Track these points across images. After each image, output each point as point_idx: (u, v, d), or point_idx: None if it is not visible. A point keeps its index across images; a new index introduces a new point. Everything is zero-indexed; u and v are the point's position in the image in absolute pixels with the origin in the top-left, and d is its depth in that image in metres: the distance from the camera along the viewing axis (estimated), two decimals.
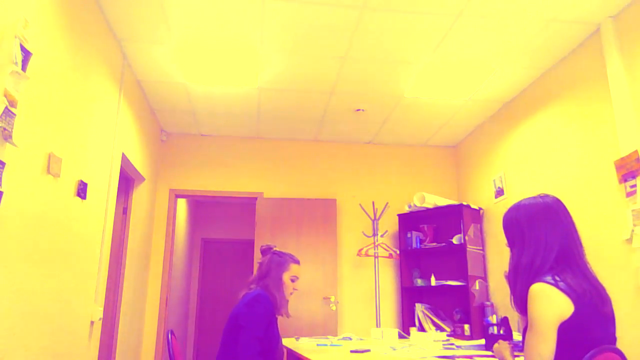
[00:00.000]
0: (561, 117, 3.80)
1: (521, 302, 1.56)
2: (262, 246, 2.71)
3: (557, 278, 1.49)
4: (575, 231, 1.61)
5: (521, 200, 1.72)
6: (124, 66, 3.81)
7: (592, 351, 1.42)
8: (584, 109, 3.53)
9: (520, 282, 1.58)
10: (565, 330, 1.44)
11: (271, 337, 2.40)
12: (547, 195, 1.68)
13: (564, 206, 1.65)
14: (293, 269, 2.59)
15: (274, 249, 2.66)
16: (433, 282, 4.95)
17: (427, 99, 4.56)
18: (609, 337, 1.51)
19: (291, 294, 2.58)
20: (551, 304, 1.45)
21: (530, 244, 1.60)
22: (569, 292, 1.46)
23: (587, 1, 3.09)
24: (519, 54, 3.74)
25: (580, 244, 1.60)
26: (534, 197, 1.69)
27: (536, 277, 1.54)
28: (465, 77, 4.12)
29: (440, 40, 3.55)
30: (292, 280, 2.57)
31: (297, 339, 3.45)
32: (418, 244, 5.18)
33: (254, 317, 2.32)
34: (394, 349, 2.72)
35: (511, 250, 1.68)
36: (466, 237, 4.79)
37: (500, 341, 1.80)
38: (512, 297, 1.62)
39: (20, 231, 2.25)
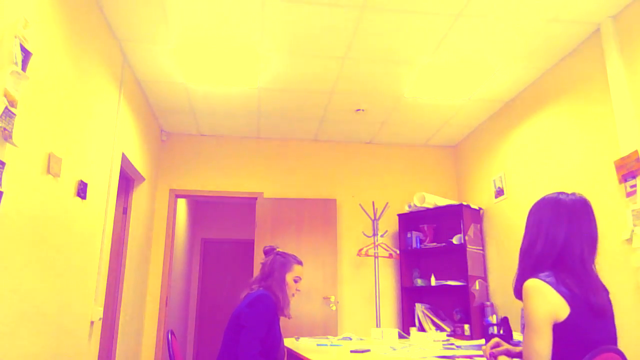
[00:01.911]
0: (561, 117, 3.80)
1: (519, 288, 1.58)
2: (265, 247, 2.73)
3: (553, 278, 1.49)
4: (591, 234, 1.59)
5: (552, 193, 1.71)
6: (124, 66, 3.82)
7: (592, 352, 1.42)
8: (584, 109, 3.53)
9: (524, 262, 1.62)
10: (563, 332, 1.44)
11: (273, 337, 2.40)
12: (573, 194, 1.66)
13: (588, 208, 1.63)
14: (296, 269, 2.61)
15: (277, 249, 2.67)
16: (433, 282, 4.95)
17: (427, 99, 4.56)
18: (609, 338, 1.51)
19: (293, 295, 2.60)
20: (544, 300, 1.46)
21: (531, 231, 1.64)
22: (564, 292, 1.46)
23: (587, 1, 3.09)
24: (519, 54, 3.74)
25: (594, 247, 1.59)
26: (563, 193, 1.67)
27: (534, 269, 1.55)
28: (465, 77, 4.12)
29: (440, 40, 3.55)
30: (295, 281, 2.59)
31: (297, 339, 3.46)
32: (418, 244, 5.18)
33: (256, 317, 2.33)
34: (394, 349, 2.72)
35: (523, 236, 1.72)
36: (466, 237, 4.79)
37: (493, 340, 1.80)
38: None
39: (20, 231, 2.25)
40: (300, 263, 2.65)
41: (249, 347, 2.25)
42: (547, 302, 1.45)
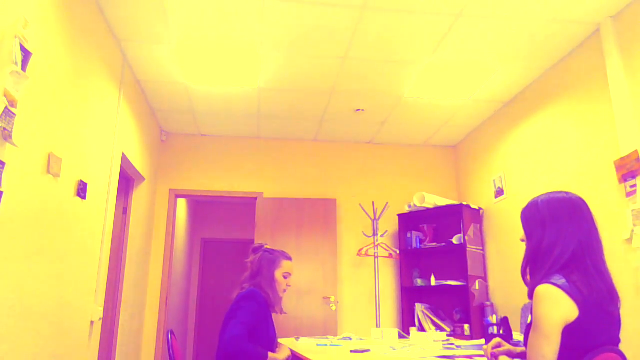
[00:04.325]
0: (561, 117, 3.80)
1: (533, 290, 1.53)
2: (253, 246, 2.69)
3: (564, 280, 1.48)
4: (596, 230, 1.59)
5: (543, 195, 1.68)
6: (124, 66, 3.81)
7: (593, 352, 1.42)
8: (584, 109, 3.53)
9: (538, 268, 1.57)
10: (570, 333, 1.44)
11: (267, 334, 2.39)
12: (570, 192, 1.65)
13: (587, 205, 1.62)
14: (285, 265, 2.57)
15: (266, 246, 2.65)
16: (433, 282, 4.95)
17: (427, 99, 4.56)
18: (613, 339, 1.50)
19: (284, 290, 2.56)
20: (557, 306, 1.44)
21: (551, 232, 1.58)
22: (575, 294, 1.44)
23: (587, 1, 3.09)
24: (519, 54, 3.74)
25: (600, 243, 1.58)
26: (558, 192, 1.65)
27: (549, 271, 1.52)
28: (465, 77, 4.12)
29: (441, 40, 3.55)
30: (285, 277, 2.54)
31: (297, 339, 3.45)
32: (418, 244, 5.17)
33: (243, 309, 2.31)
34: (394, 349, 2.72)
35: (528, 242, 1.66)
36: (466, 237, 4.79)
37: (495, 341, 1.79)
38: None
39: (20, 231, 2.25)
40: (289, 259, 2.61)
41: (234, 329, 2.23)
42: (560, 308, 1.43)
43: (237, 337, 2.21)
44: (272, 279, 2.51)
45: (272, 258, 2.57)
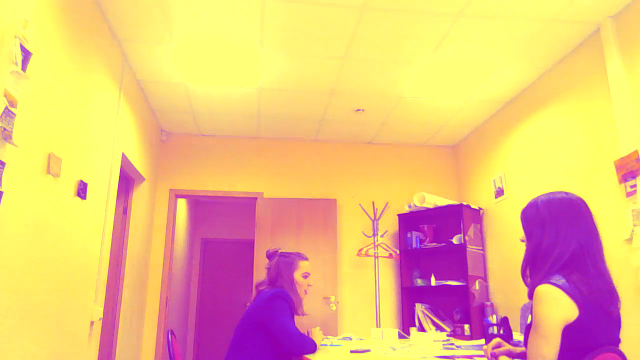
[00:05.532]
0: (561, 117, 3.80)
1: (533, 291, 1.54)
2: (267, 251, 2.72)
3: (564, 280, 1.48)
4: (596, 230, 1.59)
5: (542, 195, 1.69)
6: (124, 66, 3.81)
7: (593, 352, 1.42)
8: (584, 108, 3.52)
9: (537, 268, 1.57)
10: (570, 333, 1.44)
11: None
12: (570, 193, 1.66)
13: (587, 205, 1.63)
14: (303, 266, 2.61)
15: (280, 251, 2.68)
16: (433, 282, 4.94)
17: (427, 99, 4.56)
18: (613, 339, 1.50)
19: (306, 291, 2.61)
20: (557, 306, 1.44)
21: (550, 233, 1.58)
22: (575, 294, 1.45)
23: (587, 1, 3.09)
24: (519, 54, 3.74)
25: (600, 243, 1.58)
26: (558, 192, 1.66)
27: (549, 271, 1.52)
28: (465, 77, 4.11)
29: (441, 40, 3.55)
30: (304, 277, 2.60)
31: None
32: (418, 244, 5.17)
33: (278, 309, 2.35)
34: (394, 349, 2.71)
35: (528, 243, 1.66)
36: (466, 237, 4.79)
37: (495, 341, 1.79)
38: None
39: (20, 231, 2.25)
40: (305, 259, 2.66)
41: (290, 327, 2.30)
42: (560, 309, 1.43)
43: (297, 332, 2.32)
44: (292, 282, 2.55)
45: (289, 261, 2.61)
